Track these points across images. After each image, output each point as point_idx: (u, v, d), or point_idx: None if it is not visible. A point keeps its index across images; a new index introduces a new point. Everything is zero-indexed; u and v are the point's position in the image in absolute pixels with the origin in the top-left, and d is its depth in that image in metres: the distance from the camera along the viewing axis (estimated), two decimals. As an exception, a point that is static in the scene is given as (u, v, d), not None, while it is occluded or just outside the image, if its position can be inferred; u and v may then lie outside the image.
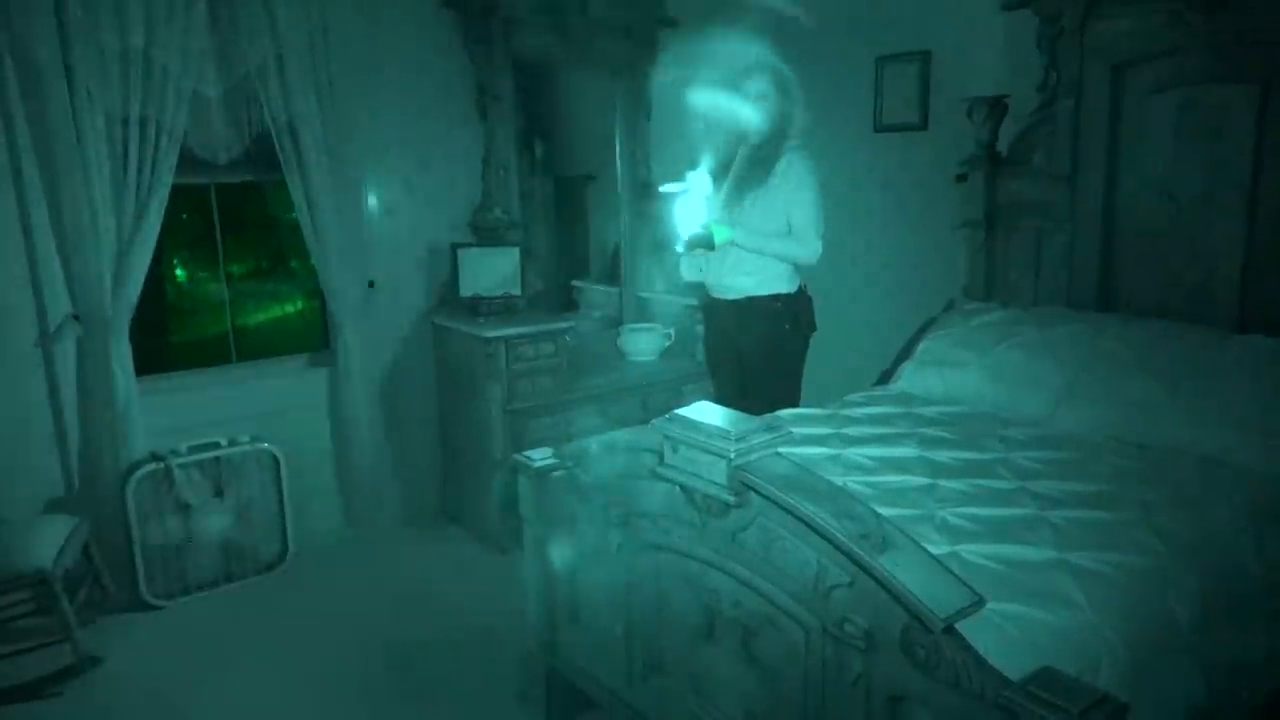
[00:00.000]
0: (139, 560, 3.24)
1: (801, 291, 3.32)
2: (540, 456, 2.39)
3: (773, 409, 3.10)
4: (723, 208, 3.29)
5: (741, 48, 4.02)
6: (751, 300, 3.26)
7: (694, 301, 4.09)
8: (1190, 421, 2.49)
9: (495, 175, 3.96)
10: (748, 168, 3.22)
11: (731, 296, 3.31)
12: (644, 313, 4.50)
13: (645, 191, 4.46)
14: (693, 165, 3.41)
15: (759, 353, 3.32)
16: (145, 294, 3.29)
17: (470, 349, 3.68)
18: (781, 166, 3.15)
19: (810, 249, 3.16)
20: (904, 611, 1.45)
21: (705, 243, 3.14)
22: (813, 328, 3.39)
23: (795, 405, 3.27)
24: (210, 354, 3.83)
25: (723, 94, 3.27)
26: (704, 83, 4.20)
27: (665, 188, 3.68)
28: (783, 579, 1.70)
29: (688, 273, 3.40)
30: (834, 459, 2.53)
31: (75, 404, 3.30)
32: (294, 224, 3.63)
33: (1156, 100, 2.94)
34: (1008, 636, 1.58)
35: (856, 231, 3.93)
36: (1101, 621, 1.70)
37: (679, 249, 3.22)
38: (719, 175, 3.33)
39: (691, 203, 3.17)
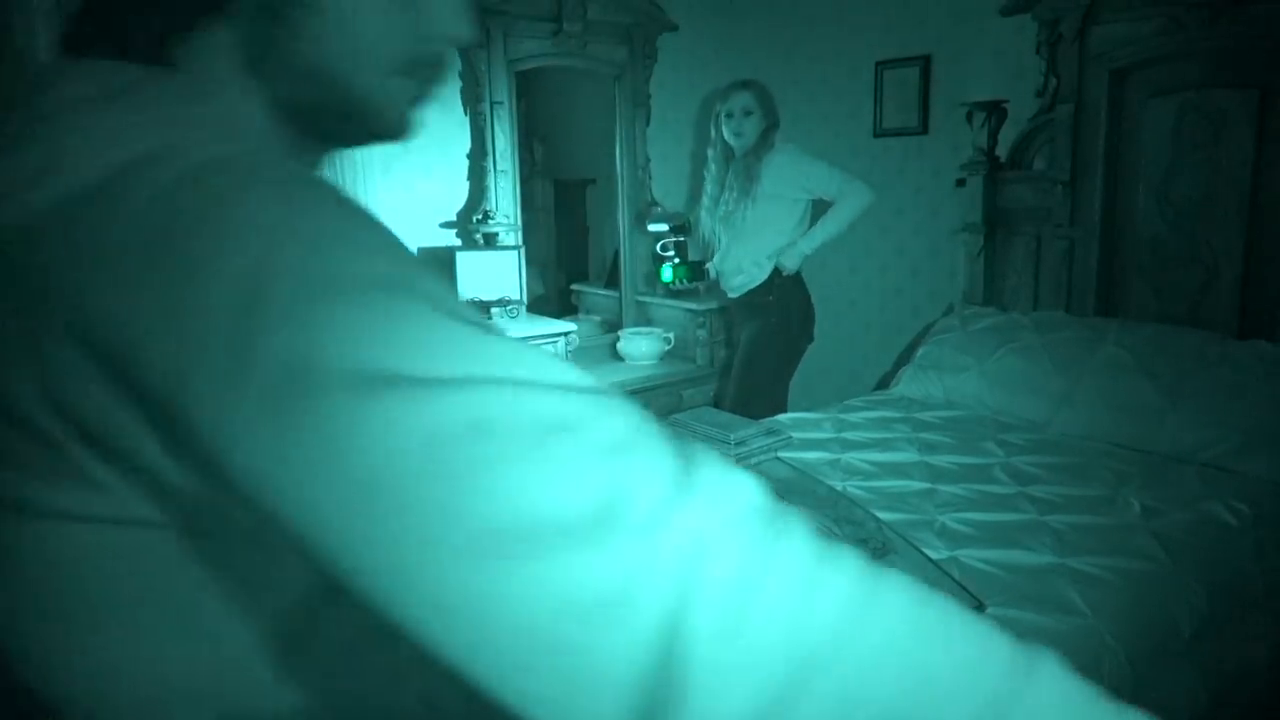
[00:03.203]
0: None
1: (800, 287, 3.37)
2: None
3: (747, 407, 3.12)
4: (721, 221, 3.40)
5: (741, 51, 4.06)
6: (743, 296, 3.43)
7: (695, 305, 4.10)
8: (1190, 426, 2.49)
9: (495, 179, 3.96)
10: (740, 180, 3.32)
11: (733, 294, 3.49)
12: (644, 317, 4.50)
13: (644, 195, 4.46)
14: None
15: (745, 347, 3.45)
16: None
17: (469, 353, 3.67)
18: (771, 171, 3.27)
19: (855, 191, 3.23)
20: (903, 616, 1.45)
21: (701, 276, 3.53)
22: (809, 338, 3.43)
23: (780, 409, 3.29)
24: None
25: (710, 110, 3.44)
26: (698, 94, 4.29)
27: (653, 227, 3.99)
28: (782, 583, 1.69)
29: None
30: (833, 463, 2.52)
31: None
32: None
33: (1156, 105, 2.94)
34: (1007, 642, 1.57)
35: (855, 235, 3.91)
36: (1101, 627, 1.69)
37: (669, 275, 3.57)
38: (716, 190, 3.46)
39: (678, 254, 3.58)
